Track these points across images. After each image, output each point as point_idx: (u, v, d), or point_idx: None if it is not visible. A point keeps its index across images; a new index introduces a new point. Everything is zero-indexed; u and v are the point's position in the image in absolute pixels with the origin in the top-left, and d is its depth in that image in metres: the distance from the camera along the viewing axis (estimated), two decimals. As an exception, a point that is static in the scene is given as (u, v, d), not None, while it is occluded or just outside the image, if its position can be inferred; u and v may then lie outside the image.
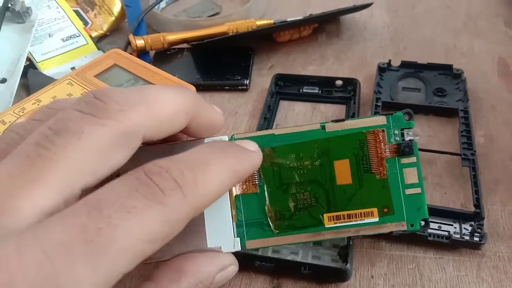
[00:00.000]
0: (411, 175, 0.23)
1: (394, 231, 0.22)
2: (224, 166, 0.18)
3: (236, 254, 0.21)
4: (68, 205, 0.15)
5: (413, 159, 0.23)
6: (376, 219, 0.22)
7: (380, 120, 0.23)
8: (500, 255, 0.28)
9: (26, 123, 0.19)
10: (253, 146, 0.21)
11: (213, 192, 0.17)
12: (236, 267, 0.21)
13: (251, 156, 0.20)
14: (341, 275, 0.27)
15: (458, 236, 0.28)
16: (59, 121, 0.16)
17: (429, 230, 0.29)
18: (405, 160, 0.23)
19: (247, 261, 0.27)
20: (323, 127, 0.23)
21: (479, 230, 0.28)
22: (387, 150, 0.23)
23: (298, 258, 0.27)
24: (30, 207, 0.15)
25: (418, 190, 0.22)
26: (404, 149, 0.22)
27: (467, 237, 0.28)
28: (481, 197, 0.30)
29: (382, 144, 0.23)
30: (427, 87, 0.39)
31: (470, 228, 0.29)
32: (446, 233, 0.28)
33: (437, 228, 0.29)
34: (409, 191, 0.22)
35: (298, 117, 0.39)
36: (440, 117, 0.38)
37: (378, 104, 0.38)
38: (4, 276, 0.13)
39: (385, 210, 0.22)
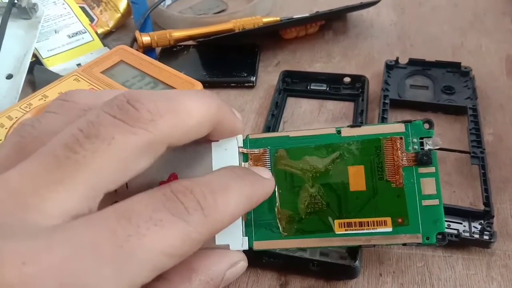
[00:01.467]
0: (429, 186, 0.22)
1: (408, 243, 0.22)
2: (242, 193, 0.19)
3: (244, 250, 0.21)
4: (91, 208, 0.16)
5: (431, 169, 0.22)
6: (390, 229, 0.22)
7: (399, 127, 0.22)
8: (509, 253, 0.28)
9: (41, 116, 0.19)
10: (267, 174, 0.21)
11: (229, 216, 0.18)
12: (245, 263, 0.21)
13: (266, 184, 0.21)
14: (350, 272, 0.27)
15: (467, 234, 0.28)
16: (90, 124, 0.16)
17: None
18: (423, 170, 0.22)
19: (254, 258, 0.27)
20: (339, 132, 0.23)
21: (488, 229, 0.28)
22: (404, 158, 0.22)
23: (307, 255, 0.27)
24: (56, 207, 0.15)
25: (435, 202, 0.22)
26: (422, 158, 0.22)
27: (476, 236, 0.28)
28: (491, 195, 0.29)
29: (399, 152, 0.22)
30: (435, 85, 0.39)
31: (479, 227, 0.28)
32: (455, 231, 0.28)
33: (446, 227, 0.29)
34: (426, 202, 0.22)
35: (305, 114, 0.39)
36: (449, 115, 0.37)
37: (386, 101, 0.37)
38: (33, 270, 0.13)
39: (399, 220, 0.22)
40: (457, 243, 0.28)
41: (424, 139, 0.22)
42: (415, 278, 0.27)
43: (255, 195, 0.20)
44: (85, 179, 0.15)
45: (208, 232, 0.17)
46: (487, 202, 0.29)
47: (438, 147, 0.22)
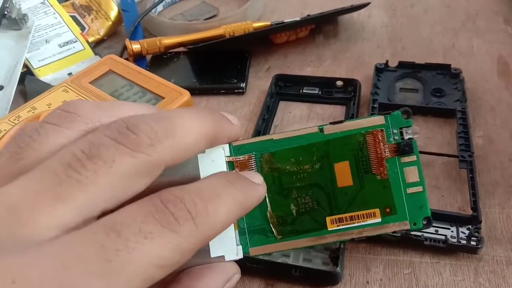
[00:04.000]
0: (412, 174, 0.23)
1: (397, 230, 0.22)
2: (233, 199, 0.19)
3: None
4: (86, 225, 0.16)
5: (413, 158, 0.23)
6: (379, 220, 0.22)
7: (379, 120, 0.23)
8: (498, 259, 0.28)
9: (40, 127, 0.19)
10: (258, 179, 0.22)
11: (221, 223, 0.18)
12: (239, 274, 0.21)
13: (257, 189, 0.21)
14: (331, 278, 0.27)
15: (455, 240, 0.28)
16: (92, 146, 0.17)
17: (426, 234, 0.28)
18: (405, 159, 0.23)
19: (237, 264, 0.27)
20: (321, 130, 0.23)
21: (476, 234, 0.28)
22: (387, 150, 0.23)
23: (289, 261, 0.27)
24: (50, 222, 0.15)
25: (419, 189, 0.22)
26: (404, 148, 0.22)
27: (464, 241, 0.28)
28: (479, 200, 0.29)
29: (382, 144, 0.23)
30: (425, 87, 0.39)
31: (467, 232, 0.28)
32: (443, 237, 0.28)
33: (434, 232, 0.29)
34: (410, 190, 0.22)
35: (295, 119, 0.39)
36: (438, 118, 0.37)
37: (375, 105, 0.37)
38: (23, 286, 0.13)
39: (387, 210, 0.22)
40: (445, 249, 0.28)
41: (403, 129, 0.23)
42: (402, 285, 0.27)
43: (247, 201, 0.20)
44: (84, 198, 0.16)
45: (200, 241, 0.17)
46: (475, 207, 0.29)
47: (417, 135, 0.23)
